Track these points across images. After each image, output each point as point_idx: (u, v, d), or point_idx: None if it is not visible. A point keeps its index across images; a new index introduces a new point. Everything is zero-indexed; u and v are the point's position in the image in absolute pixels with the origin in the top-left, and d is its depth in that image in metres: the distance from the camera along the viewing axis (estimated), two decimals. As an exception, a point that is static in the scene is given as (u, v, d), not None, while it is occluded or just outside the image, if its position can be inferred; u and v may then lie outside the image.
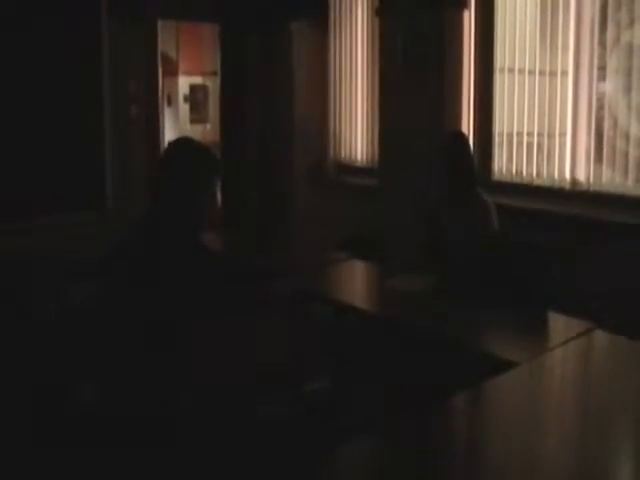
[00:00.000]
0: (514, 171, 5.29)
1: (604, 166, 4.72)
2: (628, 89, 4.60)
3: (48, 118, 5.99)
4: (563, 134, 4.95)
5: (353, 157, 6.77)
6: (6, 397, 3.73)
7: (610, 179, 4.70)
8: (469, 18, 5.44)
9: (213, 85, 8.72)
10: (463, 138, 4.63)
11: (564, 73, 4.93)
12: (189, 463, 2.64)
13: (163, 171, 2.89)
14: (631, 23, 4.57)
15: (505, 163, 5.36)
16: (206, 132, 9.08)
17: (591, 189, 4.77)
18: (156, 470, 2.60)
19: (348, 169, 6.78)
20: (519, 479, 2.03)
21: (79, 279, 4.26)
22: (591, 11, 4.74)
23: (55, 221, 5.92)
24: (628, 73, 4.59)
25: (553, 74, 5.02)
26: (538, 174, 5.13)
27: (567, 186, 4.90)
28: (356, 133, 6.71)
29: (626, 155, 4.62)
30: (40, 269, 5.11)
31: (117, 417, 2.69)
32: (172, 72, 9.28)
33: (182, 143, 3.05)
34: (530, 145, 5.20)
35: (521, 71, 5.25)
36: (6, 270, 5.04)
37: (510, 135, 5.34)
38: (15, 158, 5.85)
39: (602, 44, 4.71)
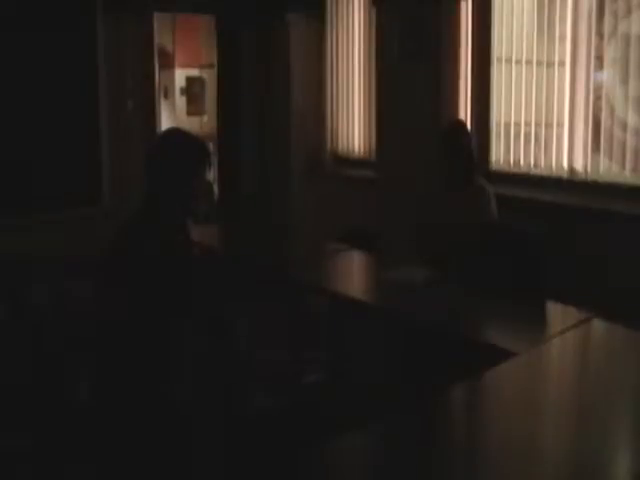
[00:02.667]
0: (512, 161, 5.29)
1: (601, 156, 4.72)
2: (625, 79, 4.59)
3: (44, 113, 5.98)
4: (561, 124, 4.94)
5: (350, 149, 6.76)
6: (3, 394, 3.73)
7: (607, 168, 4.70)
8: (466, 8, 5.42)
9: (210, 77, 8.69)
10: (462, 126, 4.67)
11: (561, 63, 4.92)
12: (186, 456, 2.64)
13: (151, 160, 2.90)
14: (628, 13, 4.56)
15: (503, 153, 5.35)
16: (203, 124, 9.06)
17: (589, 179, 4.77)
18: (152, 465, 2.61)
19: (345, 161, 6.77)
20: (518, 468, 2.03)
21: (76, 277, 4.26)
22: (588, 1, 4.73)
23: (52, 217, 5.91)
24: (625, 63, 4.58)
25: (550, 64, 5.01)
26: (536, 164, 5.13)
27: (565, 176, 4.90)
28: (353, 125, 6.69)
29: (623, 144, 4.61)
30: (38, 266, 5.11)
31: (113, 414, 2.69)
32: (168, 65, 9.25)
33: (169, 132, 3.12)
34: (528, 135, 5.20)
35: (518, 61, 5.24)
36: (4, 267, 5.04)
37: (508, 125, 5.33)
38: (11, 154, 5.83)
39: (599, 34, 4.71)
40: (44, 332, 3.31)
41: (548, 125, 5.04)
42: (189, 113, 9.45)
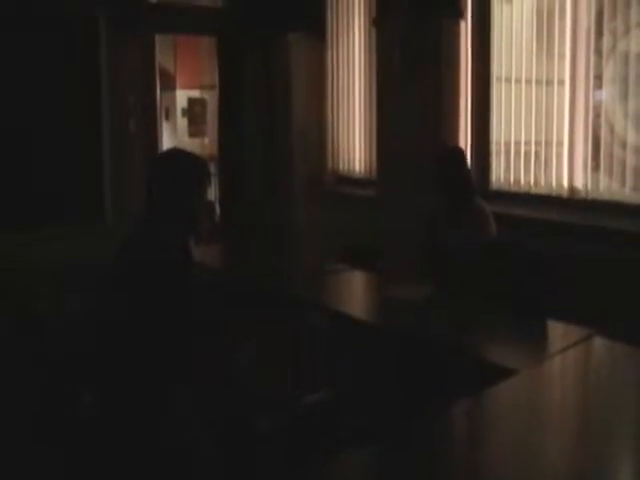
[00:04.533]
0: (512, 180, 5.29)
1: (601, 174, 4.72)
2: (624, 97, 4.60)
3: (47, 132, 6.01)
4: (560, 143, 4.95)
5: (351, 168, 6.77)
6: (7, 403, 3.73)
7: (607, 187, 4.70)
8: (466, 28, 5.45)
9: (211, 98, 8.73)
10: (456, 153, 4.64)
11: (561, 82, 4.93)
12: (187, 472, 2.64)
13: (151, 178, 2.92)
14: (627, 31, 4.58)
15: (503, 172, 5.36)
16: (204, 145, 9.09)
17: (589, 197, 4.77)
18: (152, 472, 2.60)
19: (347, 180, 6.79)
20: (519, 486, 2.02)
21: (78, 292, 4.27)
22: (587, 20, 4.75)
23: (54, 234, 5.92)
24: (624, 81, 4.59)
25: (550, 83, 5.02)
26: (536, 183, 5.13)
27: (565, 194, 4.90)
28: (354, 144, 6.71)
29: (623, 162, 4.62)
30: (40, 282, 5.11)
31: (116, 422, 2.69)
32: (170, 86, 9.31)
33: (168, 152, 3.18)
34: (528, 154, 5.20)
35: (518, 80, 5.26)
36: (7, 282, 5.05)
37: (508, 144, 5.34)
38: (15, 172, 5.86)
39: (598, 52, 4.72)
40: (47, 346, 3.31)
41: (548, 143, 5.05)
42: (190, 134, 9.49)
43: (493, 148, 5.41)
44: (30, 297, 4.55)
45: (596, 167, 4.75)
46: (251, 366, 3.35)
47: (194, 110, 9.47)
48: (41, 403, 3.21)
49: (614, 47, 4.64)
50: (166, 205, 2.84)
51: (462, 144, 5.44)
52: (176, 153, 3.07)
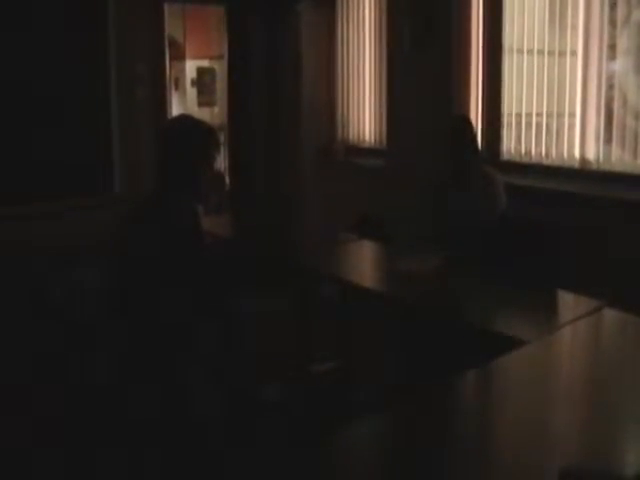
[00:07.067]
0: (523, 151, 5.26)
1: (614, 145, 4.69)
2: (638, 68, 4.56)
3: (55, 101, 5.99)
4: (572, 114, 4.91)
5: (361, 138, 6.75)
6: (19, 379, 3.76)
7: (619, 158, 4.67)
8: (477, -3, 5.40)
9: (221, 68, 8.70)
10: (465, 122, 4.65)
11: (573, 53, 4.89)
12: (198, 444, 2.65)
13: (161, 145, 2.93)
14: (641, 1, 4.53)
15: (514, 143, 5.33)
16: (214, 115, 9.08)
17: (600, 168, 4.74)
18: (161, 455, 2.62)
19: (356, 150, 6.77)
20: (530, 457, 2.02)
21: (89, 264, 4.28)
22: (601, -11, 4.70)
23: (63, 205, 5.92)
24: (638, 52, 4.55)
25: (562, 54, 4.98)
26: (547, 154, 5.11)
27: (576, 165, 4.88)
28: (364, 114, 6.68)
29: (636, 134, 4.58)
30: (50, 253, 5.13)
31: (132, 397, 2.71)
32: (179, 56, 9.28)
33: (177, 117, 3.19)
34: (539, 125, 5.17)
35: (530, 51, 5.21)
36: (16, 255, 5.06)
37: (519, 116, 5.30)
38: (21, 142, 5.85)
39: (612, 23, 4.67)
40: (61, 320, 3.34)
41: (560, 115, 5.02)
42: (200, 104, 9.47)
43: (504, 119, 5.37)
44: (40, 271, 4.57)
45: (608, 138, 4.72)
46: (259, 332, 3.37)
47: (203, 80, 9.44)
48: (58, 372, 3.25)
49: (628, 17, 4.59)
50: (174, 171, 2.84)
51: (473, 115, 5.41)
52: (184, 119, 3.07)
